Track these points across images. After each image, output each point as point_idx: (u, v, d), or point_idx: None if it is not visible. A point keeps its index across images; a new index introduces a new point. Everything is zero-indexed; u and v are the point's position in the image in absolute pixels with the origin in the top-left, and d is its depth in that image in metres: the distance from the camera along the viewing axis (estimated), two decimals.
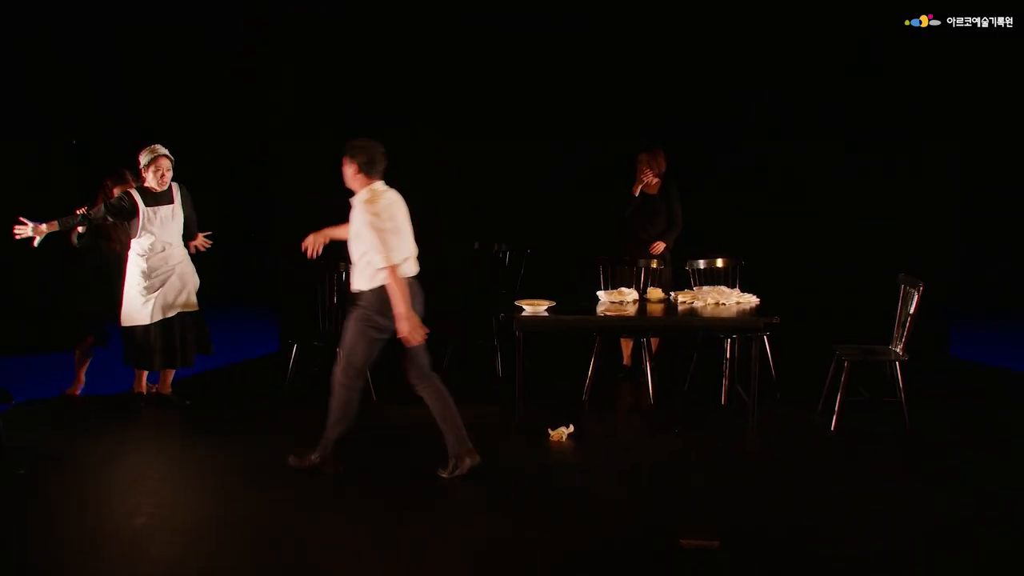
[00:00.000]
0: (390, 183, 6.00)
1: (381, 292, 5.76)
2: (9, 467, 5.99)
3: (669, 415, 7.52)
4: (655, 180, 8.41)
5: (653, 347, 8.17)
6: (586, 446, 6.71)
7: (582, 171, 10.02)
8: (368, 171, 5.86)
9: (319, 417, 6.74)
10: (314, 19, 9.84)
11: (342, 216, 6.13)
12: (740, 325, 7.18)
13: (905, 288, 6.96)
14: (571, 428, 6.86)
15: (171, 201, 7.37)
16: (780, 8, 9.59)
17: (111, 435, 6.95)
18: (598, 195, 9.14)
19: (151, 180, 7.29)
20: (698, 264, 8.40)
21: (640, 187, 8.42)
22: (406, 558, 4.85)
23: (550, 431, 6.80)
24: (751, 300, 7.43)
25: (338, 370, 5.90)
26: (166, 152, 7.33)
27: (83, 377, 7.77)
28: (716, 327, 7.54)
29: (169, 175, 7.35)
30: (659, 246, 8.40)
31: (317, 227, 6.67)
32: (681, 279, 8.49)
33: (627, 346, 8.58)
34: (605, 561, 4.77)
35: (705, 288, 7.67)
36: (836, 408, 6.97)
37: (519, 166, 10.05)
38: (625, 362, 8.59)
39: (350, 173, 5.90)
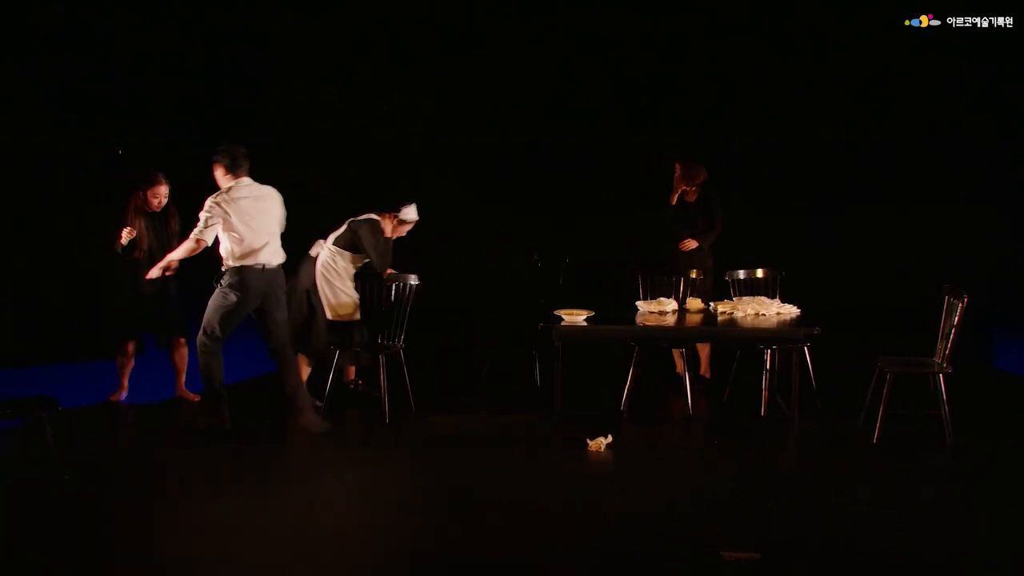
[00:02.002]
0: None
1: (236, 271, 6.81)
2: (55, 472, 6.03)
3: (708, 426, 7.52)
4: (692, 188, 8.43)
5: (703, 357, 8.19)
6: (625, 456, 6.67)
7: (621, 181, 10.07)
8: (233, 170, 6.84)
9: (359, 423, 6.82)
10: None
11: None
12: (780, 336, 7.14)
13: (949, 299, 6.87)
14: (609, 438, 6.82)
15: None
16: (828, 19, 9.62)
17: (154, 441, 7.03)
18: (636, 204, 9.19)
19: (390, 231, 7.93)
20: (738, 274, 8.38)
21: (677, 196, 8.43)
22: (434, 566, 4.86)
23: (588, 441, 6.77)
24: (791, 311, 7.40)
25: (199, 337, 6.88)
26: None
27: (126, 383, 7.82)
28: (756, 338, 7.48)
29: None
30: (690, 243, 8.40)
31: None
32: (721, 289, 8.47)
33: (679, 355, 8.56)
34: (643, 572, 4.75)
35: (745, 299, 7.65)
36: (878, 420, 6.87)
37: (557, 175, 10.11)
38: (679, 371, 8.57)
39: (219, 174, 6.87)
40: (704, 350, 8.76)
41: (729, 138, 10.05)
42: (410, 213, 7.94)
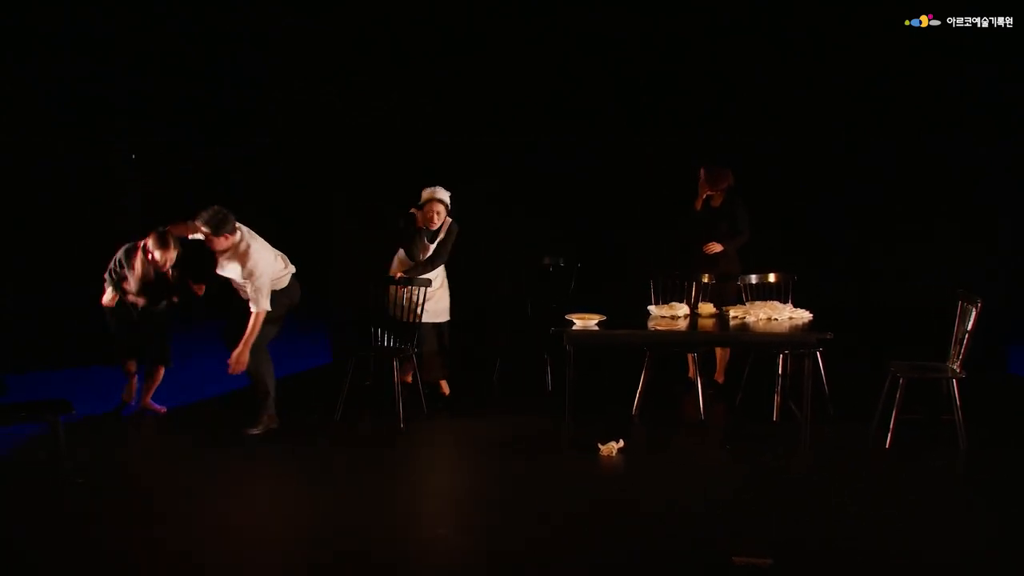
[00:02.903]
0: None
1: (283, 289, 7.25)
2: (68, 476, 6.05)
3: (720, 431, 7.53)
4: (717, 193, 8.43)
5: (719, 362, 8.17)
6: (636, 461, 6.68)
7: (621, 181, 10.05)
8: (219, 232, 6.87)
9: (372, 425, 6.89)
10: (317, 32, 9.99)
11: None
12: (792, 341, 7.12)
13: (962, 304, 6.87)
14: (621, 443, 6.84)
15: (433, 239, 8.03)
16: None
17: (166, 445, 7.08)
18: (637, 204, 9.16)
19: (422, 221, 7.98)
20: (750, 279, 8.38)
21: (701, 201, 8.44)
22: (439, 567, 4.87)
23: (600, 446, 6.79)
24: (804, 315, 7.37)
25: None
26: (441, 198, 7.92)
27: (136, 385, 7.80)
28: (768, 343, 7.45)
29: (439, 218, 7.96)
30: (715, 247, 8.39)
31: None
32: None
33: (692, 359, 8.56)
34: (654, 575, 4.77)
35: (757, 303, 7.62)
36: (891, 426, 6.89)
37: (569, 179, 10.09)
38: (691, 375, 8.57)
39: (216, 239, 6.91)
40: (722, 356, 8.76)
41: (729, 138, 10.03)
42: (425, 194, 7.97)
